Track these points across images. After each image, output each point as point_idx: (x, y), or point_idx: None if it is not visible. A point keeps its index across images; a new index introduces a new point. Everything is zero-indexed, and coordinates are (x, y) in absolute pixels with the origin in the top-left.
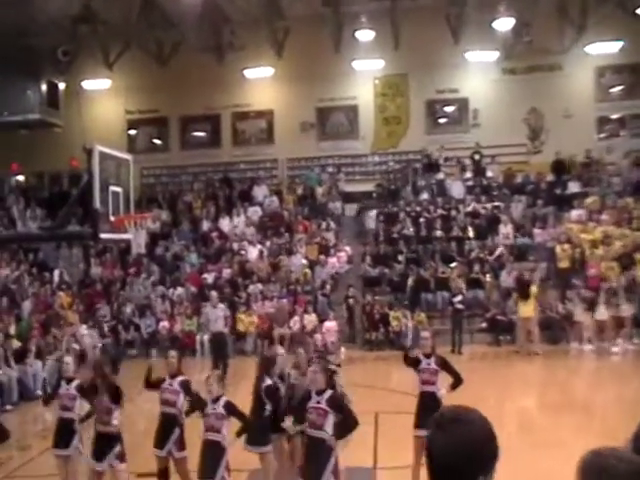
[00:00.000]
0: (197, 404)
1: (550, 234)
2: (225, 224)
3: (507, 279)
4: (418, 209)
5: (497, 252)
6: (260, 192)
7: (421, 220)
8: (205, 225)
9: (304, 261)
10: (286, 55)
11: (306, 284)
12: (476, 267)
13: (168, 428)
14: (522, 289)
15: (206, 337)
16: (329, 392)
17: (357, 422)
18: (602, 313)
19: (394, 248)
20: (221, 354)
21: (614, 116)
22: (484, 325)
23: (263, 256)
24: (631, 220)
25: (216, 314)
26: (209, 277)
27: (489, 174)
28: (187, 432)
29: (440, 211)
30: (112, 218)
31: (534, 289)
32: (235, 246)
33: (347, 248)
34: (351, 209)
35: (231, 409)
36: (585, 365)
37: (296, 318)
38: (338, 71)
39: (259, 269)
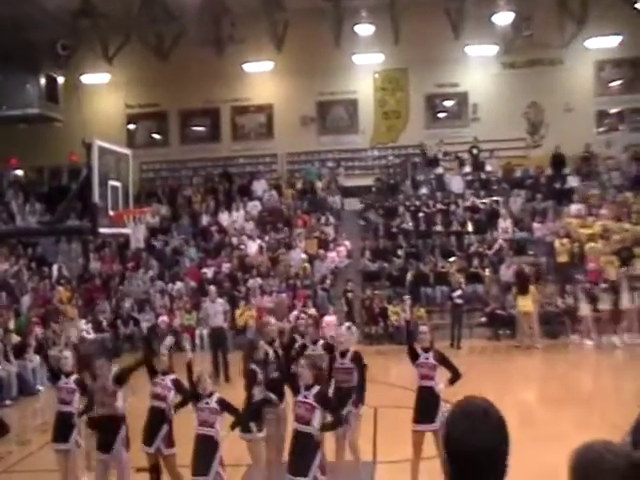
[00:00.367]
0: (190, 397)
1: (549, 228)
2: (224, 219)
3: (506, 273)
4: (417, 203)
5: (496, 246)
6: (259, 187)
7: (420, 215)
8: (204, 220)
9: (303, 255)
10: (286, 49)
11: (305, 279)
12: (475, 261)
13: (156, 424)
14: (521, 283)
15: (205, 332)
16: (317, 387)
17: (341, 423)
18: (603, 306)
19: (393, 243)
20: (221, 349)
21: (613, 110)
22: (483, 319)
23: (262, 251)
24: (630, 214)
25: (215, 309)
26: (208, 272)
27: (488, 168)
28: (178, 428)
29: (439, 206)
30: (111, 213)
31: (533, 286)
32: (234, 241)
33: (346, 242)
34: (350, 203)
35: (224, 405)
36: (585, 359)
37: (295, 312)
38: (338, 65)
39: (258, 264)
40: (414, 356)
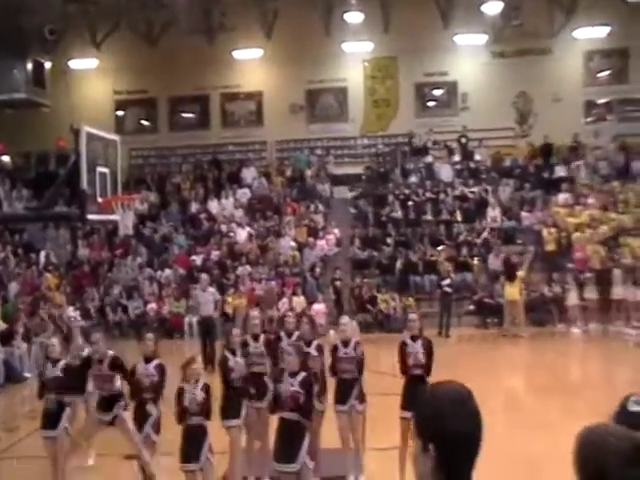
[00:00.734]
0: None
1: (537, 217)
2: (214, 206)
3: (495, 262)
4: (407, 192)
5: (483, 235)
6: (249, 174)
7: (410, 203)
8: (194, 207)
9: (293, 243)
10: (276, 37)
11: (294, 266)
12: (464, 250)
13: (145, 411)
14: (509, 271)
15: (194, 319)
16: (302, 374)
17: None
18: (589, 295)
19: (383, 231)
20: (209, 337)
21: (601, 100)
22: (472, 308)
23: (252, 238)
24: (617, 204)
25: (206, 298)
26: (197, 259)
27: (477, 157)
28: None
29: (429, 194)
30: (99, 199)
31: (521, 272)
32: (224, 228)
33: (336, 231)
34: (340, 192)
35: (208, 391)
36: (572, 347)
37: (284, 300)
38: (328, 53)
39: (248, 251)
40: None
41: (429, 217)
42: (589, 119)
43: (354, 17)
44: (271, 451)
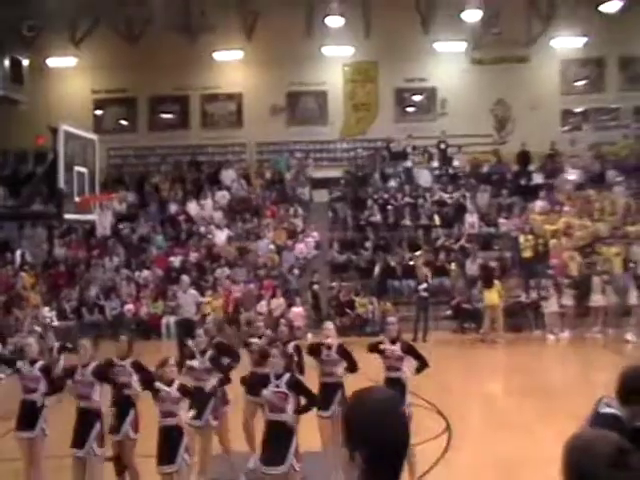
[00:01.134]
0: (148, 383)
1: (514, 224)
2: (193, 207)
3: (472, 267)
4: (386, 196)
5: (461, 241)
6: (228, 176)
7: (389, 207)
8: (172, 208)
9: (271, 246)
10: (256, 38)
11: (273, 269)
12: (442, 255)
13: (123, 411)
14: (486, 277)
15: (172, 320)
16: (287, 375)
17: (317, 401)
18: (566, 302)
19: (362, 235)
20: (187, 339)
21: (578, 109)
22: (449, 312)
23: (230, 240)
24: (592, 211)
25: (187, 299)
26: (176, 260)
27: (456, 163)
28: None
29: (407, 199)
30: (77, 199)
31: (497, 282)
32: (202, 229)
33: (314, 234)
34: (319, 195)
35: (185, 391)
36: (550, 352)
37: (263, 302)
38: (308, 56)
39: (226, 253)
40: (379, 348)
41: (408, 222)
42: (566, 127)
43: (335, 21)
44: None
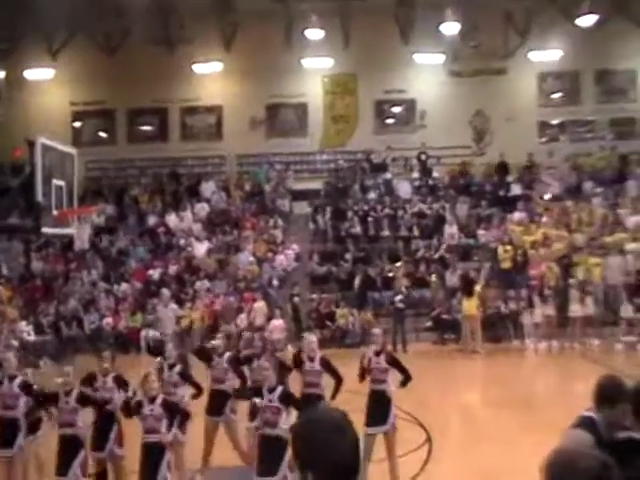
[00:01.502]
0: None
1: (493, 235)
2: (172, 220)
3: (452, 278)
4: (366, 208)
5: (440, 251)
6: (208, 188)
7: (369, 219)
8: (151, 220)
9: (251, 258)
10: (235, 50)
11: (253, 281)
12: (422, 267)
13: (106, 427)
14: (466, 286)
15: (151, 333)
16: (280, 388)
17: None
18: (546, 311)
19: (342, 246)
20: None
21: (555, 121)
22: (429, 324)
23: (210, 252)
24: (569, 222)
25: (167, 314)
26: (155, 273)
27: (435, 174)
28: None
29: (387, 210)
30: (55, 212)
31: (478, 288)
32: (182, 242)
33: (295, 246)
34: (299, 207)
35: (170, 406)
36: (527, 363)
37: (242, 315)
38: (287, 68)
39: (206, 265)
40: (364, 368)
41: (387, 233)
42: (543, 139)
43: (314, 33)
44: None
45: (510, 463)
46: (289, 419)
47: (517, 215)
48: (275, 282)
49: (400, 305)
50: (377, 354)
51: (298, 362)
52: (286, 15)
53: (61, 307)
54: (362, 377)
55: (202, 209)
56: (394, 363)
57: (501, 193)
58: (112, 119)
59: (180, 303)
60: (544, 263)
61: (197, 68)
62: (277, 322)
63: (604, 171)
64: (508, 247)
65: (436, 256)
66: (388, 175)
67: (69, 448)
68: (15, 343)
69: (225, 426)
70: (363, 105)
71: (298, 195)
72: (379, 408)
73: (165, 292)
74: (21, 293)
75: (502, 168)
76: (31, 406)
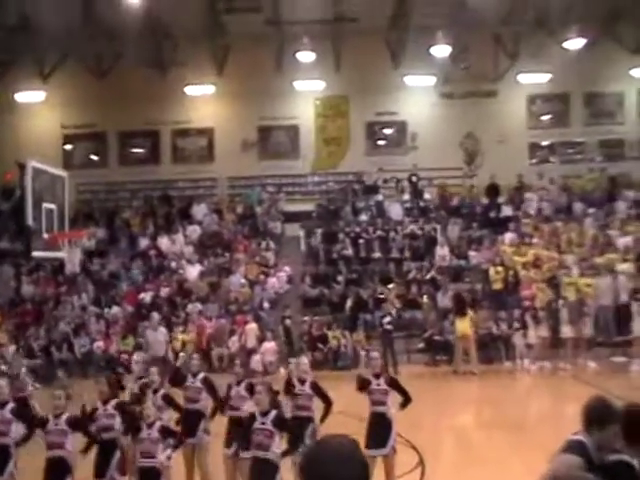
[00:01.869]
0: (132, 426)
1: (485, 256)
2: (164, 242)
3: (443, 300)
4: (357, 230)
5: (431, 272)
6: (200, 210)
7: (360, 241)
8: (143, 243)
9: (243, 281)
10: (227, 73)
11: (245, 304)
12: (414, 288)
13: (108, 453)
14: (459, 306)
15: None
16: (274, 412)
17: (300, 444)
18: (538, 332)
19: (334, 268)
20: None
21: (545, 143)
22: (421, 345)
23: (202, 275)
24: (560, 243)
25: (157, 337)
26: (146, 296)
27: (426, 196)
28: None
29: (379, 232)
30: (45, 235)
31: (470, 312)
32: (173, 265)
33: (287, 268)
34: (291, 229)
35: (167, 432)
36: (519, 384)
37: (234, 338)
38: (279, 90)
39: (198, 288)
40: (365, 384)
41: (379, 255)
42: (533, 160)
43: (306, 56)
44: None
45: None
46: (282, 444)
47: (508, 236)
48: (267, 304)
49: (388, 327)
50: (377, 376)
51: (289, 388)
52: (278, 38)
53: (52, 331)
54: (361, 388)
55: (194, 232)
56: (394, 385)
57: (492, 214)
58: (103, 142)
59: (171, 326)
60: (535, 284)
61: (189, 90)
62: (269, 345)
63: (594, 192)
64: (499, 268)
65: (427, 277)
66: (379, 197)
67: (56, 472)
68: (4, 368)
69: (197, 448)
70: (355, 127)
71: (290, 217)
72: (379, 430)
73: (154, 315)
74: (11, 317)
75: (493, 190)
76: (24, 435)
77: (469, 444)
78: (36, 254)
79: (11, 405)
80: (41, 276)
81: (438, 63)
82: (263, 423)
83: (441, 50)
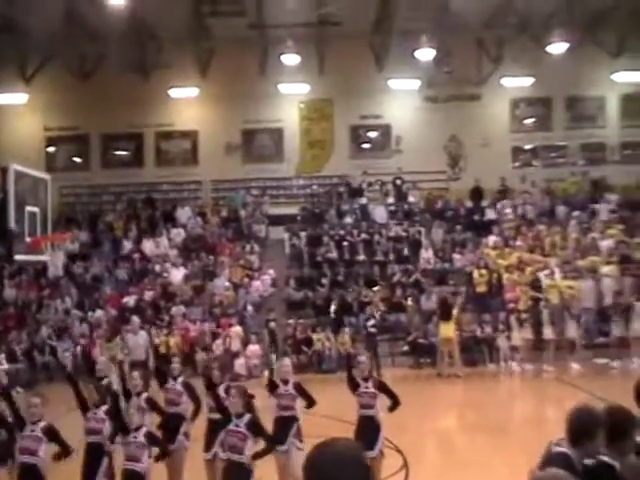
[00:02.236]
0: (121, 430)
1: (468, 259)
2: (148, 246)
3: (427, 303)
4: (342, 233)
5: (414, 275)
6: (184, 214)
7: (345, 244)
8: (127, 246)
9: (227, 284)
10: (211, 76)
11: (229, 307)
12: (398, 291)
13: (95, 459)
14: (444, 309)
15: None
16: (248, 416)
17: (275, 444)
18: (521, 335)
19: (318, 271)
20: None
21: (528, 146)
22: (405, 348)
23: (187, 278)
24: (543, 246)
25: (137, 341)
26: (130, 299)
27: (411, 199)
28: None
29: (363, 235)
30: (28, 239)
31: (455, 312)
32: (157, 268)
33: (271, 271)
34: (276, 232)
35: (153, 438)
36: (503, 386)
37: (219, 341)
38: (263, 94)
39: (182, 291)
40: (354, 386)
41: (363, 258)
42: (516, 164)
43: (290, 59)
44: None
45: None
46: (255, 447)
47: (492, 239)
48: (251, 308)
49: (372, 330)
50: (365, 380)
51: (272, 388)
52: (262, 41)
53: (34, 335)
54: (353, 387)
55: (178, 235)
56: (382, 389)
57: (476, 217)
58: (86, 144)
59: (155, 329)
60: (518, 287)
61: (173, 93)
62: (253, 348)
63: (576, 196)
64: (483, 271)
65: (412, 280)
66: (364, 200)
67: (29, 478)
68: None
69: (175, 452)
70: (339, 130)
71: (274, 220)
72: (367, 434)
73: (135, 319)
74: None
75: (477, 193)
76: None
77: (453, 447)
78: (19, 257)
79: None
80: (24, 279)
81: (422, 67)
82: (237, 425)
83: (425, 54)
